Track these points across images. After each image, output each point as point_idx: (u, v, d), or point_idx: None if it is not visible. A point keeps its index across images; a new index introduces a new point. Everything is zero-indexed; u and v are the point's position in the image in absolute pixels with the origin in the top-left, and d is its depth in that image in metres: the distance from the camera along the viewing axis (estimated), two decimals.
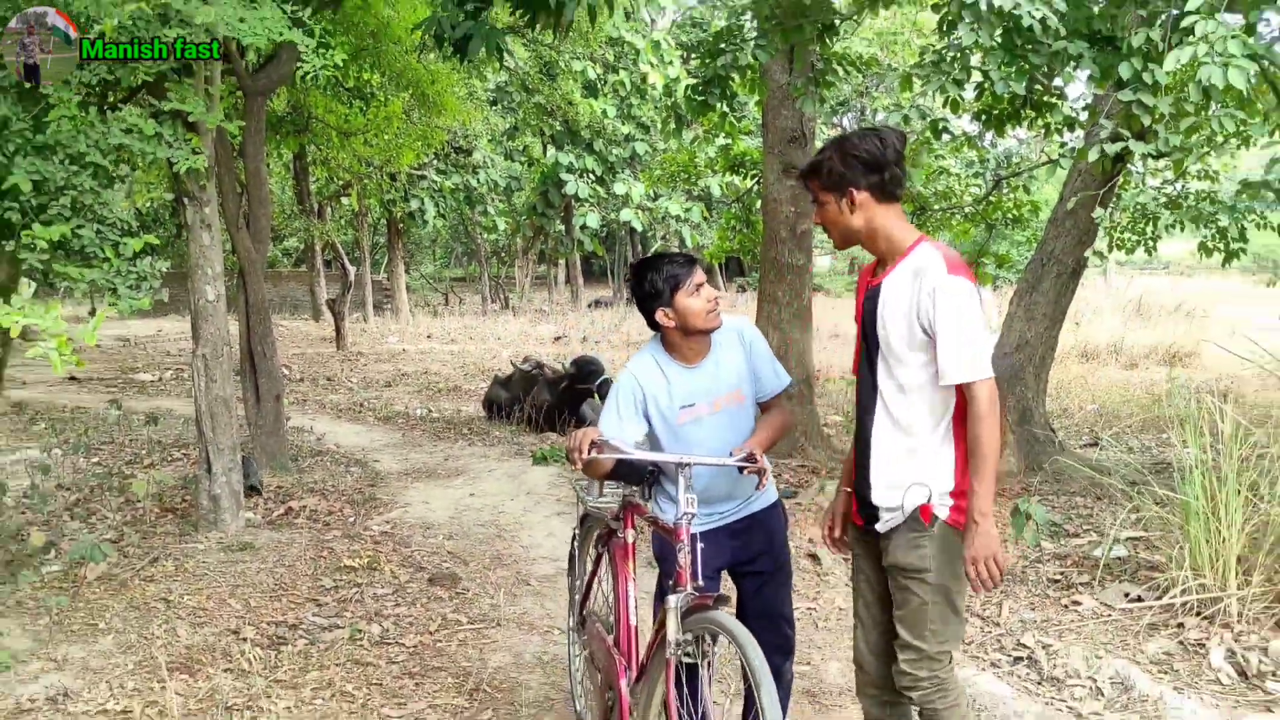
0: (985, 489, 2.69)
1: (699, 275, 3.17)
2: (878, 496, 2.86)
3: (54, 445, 8.86)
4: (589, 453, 2.95)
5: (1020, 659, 4.51)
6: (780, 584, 3.37)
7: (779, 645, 3.27)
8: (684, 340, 3.23)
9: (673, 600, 2.85)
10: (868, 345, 2.91)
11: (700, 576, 2.88)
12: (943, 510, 2.79)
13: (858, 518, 3.02)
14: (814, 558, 5.92)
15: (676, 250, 3.40)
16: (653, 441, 3.27)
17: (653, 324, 3.26)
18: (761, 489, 3.18)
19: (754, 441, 3.12)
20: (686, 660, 2.84)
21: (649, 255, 3.34)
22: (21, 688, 4.13)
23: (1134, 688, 4.17)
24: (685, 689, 2.88)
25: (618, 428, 3.18)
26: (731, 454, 3.04)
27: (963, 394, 2.74)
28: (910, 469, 2.81)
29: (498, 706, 4.11)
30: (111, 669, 4.33)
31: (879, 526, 2.87)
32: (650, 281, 3.18)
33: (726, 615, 2.80)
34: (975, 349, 2.68)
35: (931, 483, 2.79)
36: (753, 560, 3.33)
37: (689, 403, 3.21)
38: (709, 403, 3.23)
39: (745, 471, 3.04)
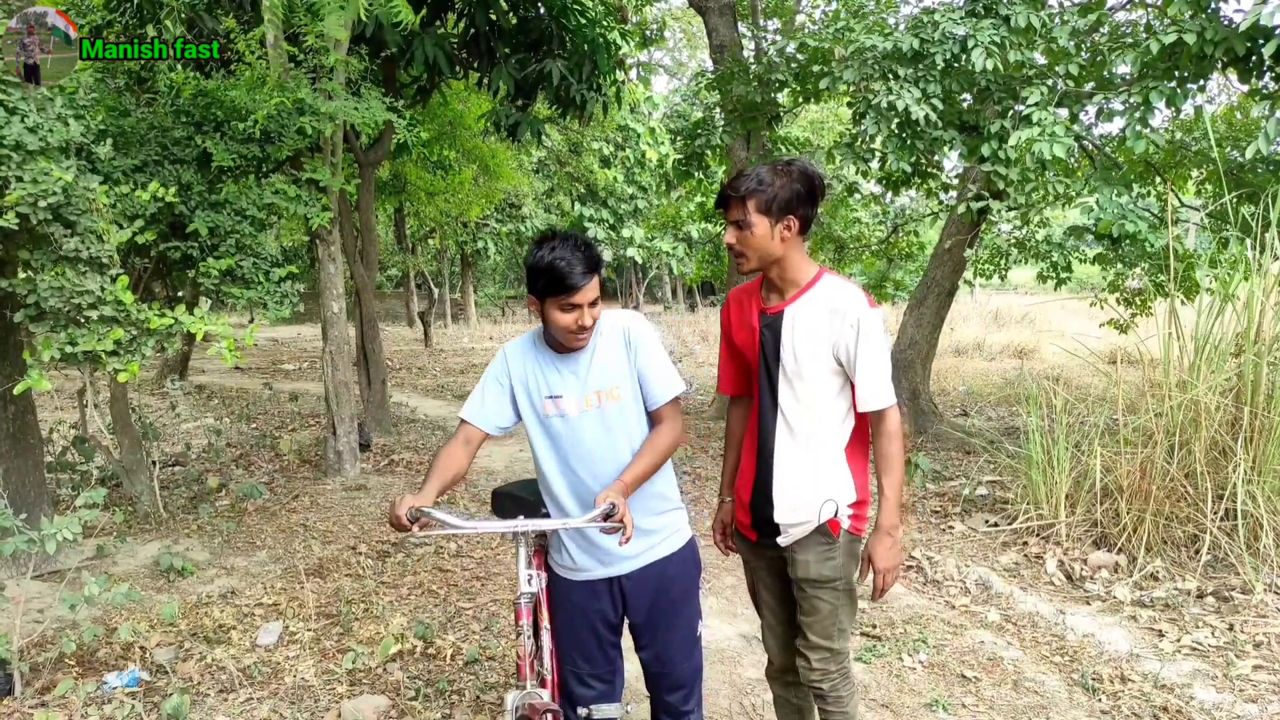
0: (894, 500, 2.09)
1: (586, 295, 1.97)
2: (781, 515, 2.15)
3: (224, 415, 8.87)
4: (407, 528, 1.94)
5: (911, 567, 4.50)
6: (672, 639, 2.19)
7: (667, 706, 2.25)
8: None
9: (509, 699, 1.95)
10: (768, 368, 2.16)
11: (543, 665, 2.07)
12: (845, 521, 2.14)
13: (750, 532, 2.27)
14: None
15: (583, 250, 1.97)
16: (528, 437, 2.22)
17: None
18: (624, 544, 1.93)
19: (614, 489, 1.93)
20: None
21: (552, 238, 2.00)
22: (202, 587, 4.15)
23: (991, 587, 4.17)
24: None
25: (478, 409, 2.19)
26: (596, 503, 1.90)
27: (866, 417, 2.13)
28: (814, 488, 2.13)
29: None
30: (265, 574, 4.34)
31: (781, 540, 2.18)
32: (533, 270, 1.99)
33: None
34: (886, 379, 2.08)
35: (838, 497, 2.13)
36: (640, 613, 2.19)
37: (555, 394, 2.11)
38: (579, 398, 2.10)
39: (603, 530, 1.91)
